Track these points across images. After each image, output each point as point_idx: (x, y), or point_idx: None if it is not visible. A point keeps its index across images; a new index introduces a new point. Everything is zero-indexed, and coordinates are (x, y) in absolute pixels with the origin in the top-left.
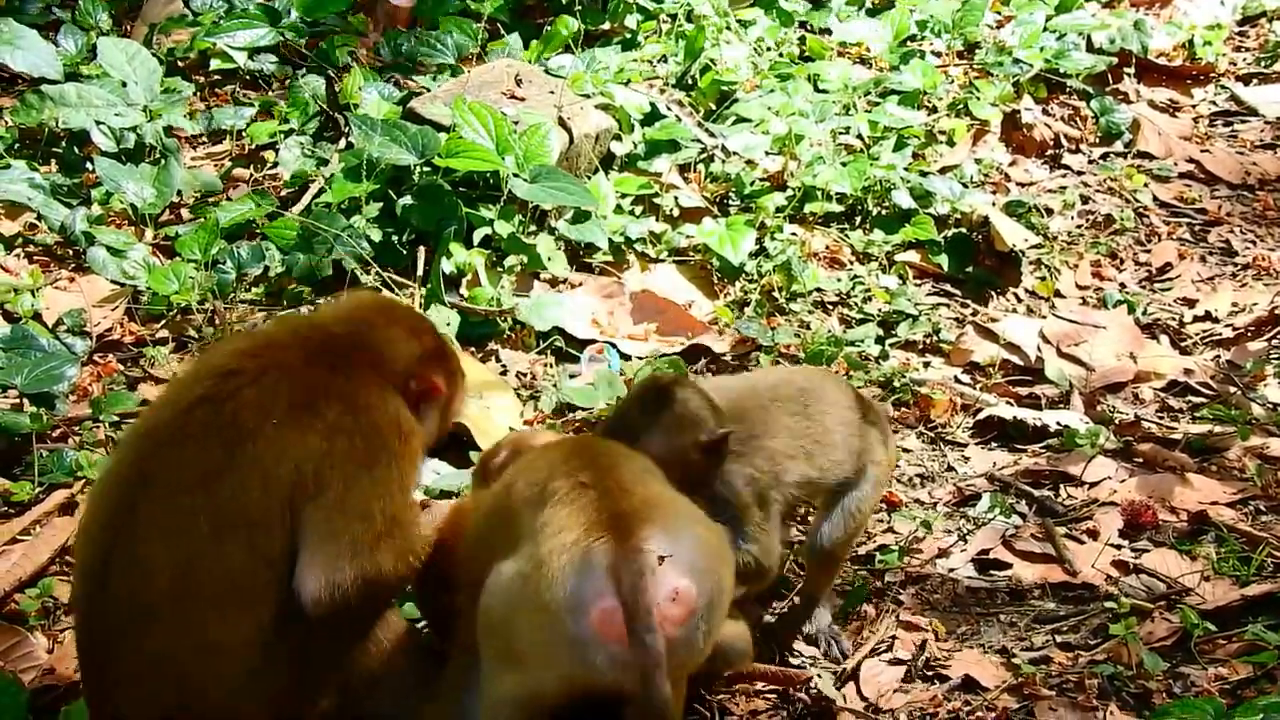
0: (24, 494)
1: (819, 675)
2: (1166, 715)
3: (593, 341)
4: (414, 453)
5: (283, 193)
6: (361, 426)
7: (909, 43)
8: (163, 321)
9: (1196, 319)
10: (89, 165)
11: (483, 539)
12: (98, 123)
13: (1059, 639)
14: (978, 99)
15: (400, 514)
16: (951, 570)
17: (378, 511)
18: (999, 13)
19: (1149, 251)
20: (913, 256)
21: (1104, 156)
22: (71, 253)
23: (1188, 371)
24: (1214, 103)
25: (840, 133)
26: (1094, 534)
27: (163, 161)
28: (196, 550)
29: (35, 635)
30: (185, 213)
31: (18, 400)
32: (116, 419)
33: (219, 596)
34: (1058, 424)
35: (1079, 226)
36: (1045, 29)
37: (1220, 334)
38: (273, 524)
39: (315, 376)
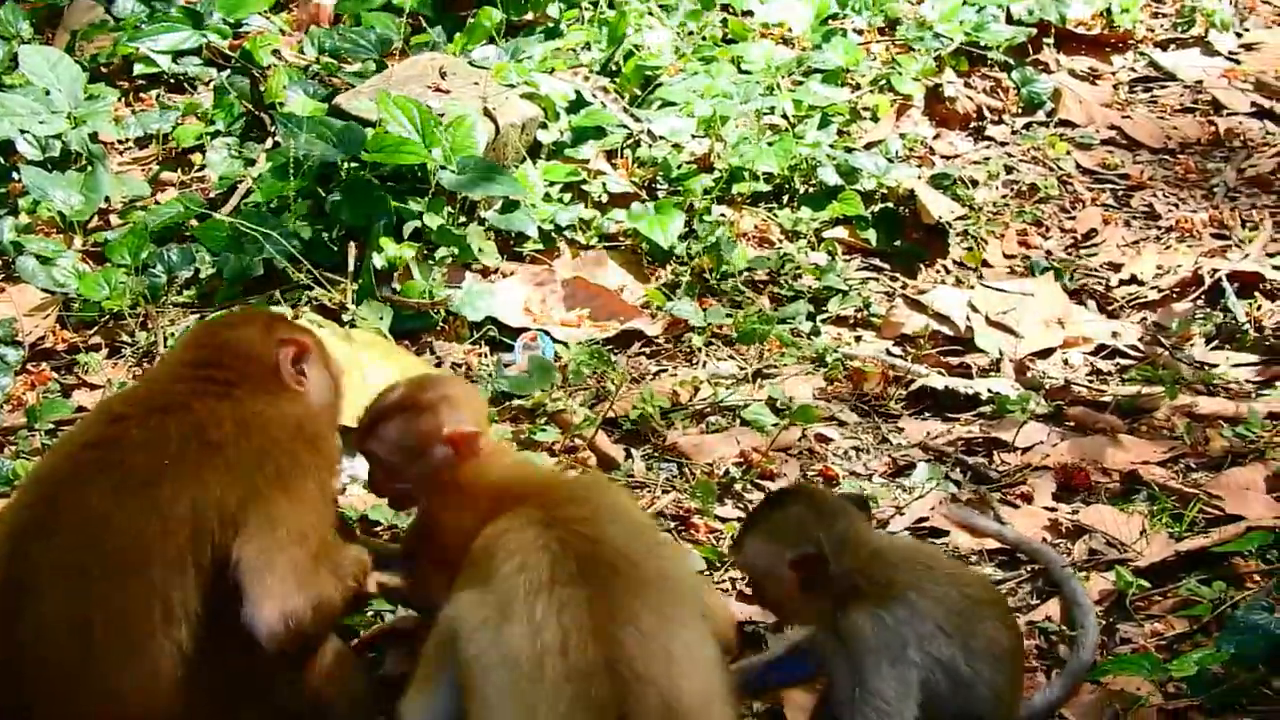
0: None
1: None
2: (1105, 672)
3: (526, 330)
4: (327, 456)
5: (211, 194)
6: (261, 446)
7: (830, 21)
8: (95, 328)
9: (1122, 283)
10: (15, 174)
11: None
12: (22, 131)
13: None
14: (900, 74)
15: (329, 526)
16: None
17: (309, 529)
18: None
19: (1074, 219)
20: (841, 233)
21: (1026, 126)
22: (0, 263)
23: (1115, 335)
24: (1133, 69)
25: (765, 113)
26: (1028, 498)
27: (89, 168)
28: (94, 598)
29: None
30: (114, 218)
31: None
32: (52, 427)
33: (117, 650)
34: (989, 391)
35: (1004, 196)
36: (964, 3)
37: (1146, 296)
38: (172, 567)
39: (200, 406)
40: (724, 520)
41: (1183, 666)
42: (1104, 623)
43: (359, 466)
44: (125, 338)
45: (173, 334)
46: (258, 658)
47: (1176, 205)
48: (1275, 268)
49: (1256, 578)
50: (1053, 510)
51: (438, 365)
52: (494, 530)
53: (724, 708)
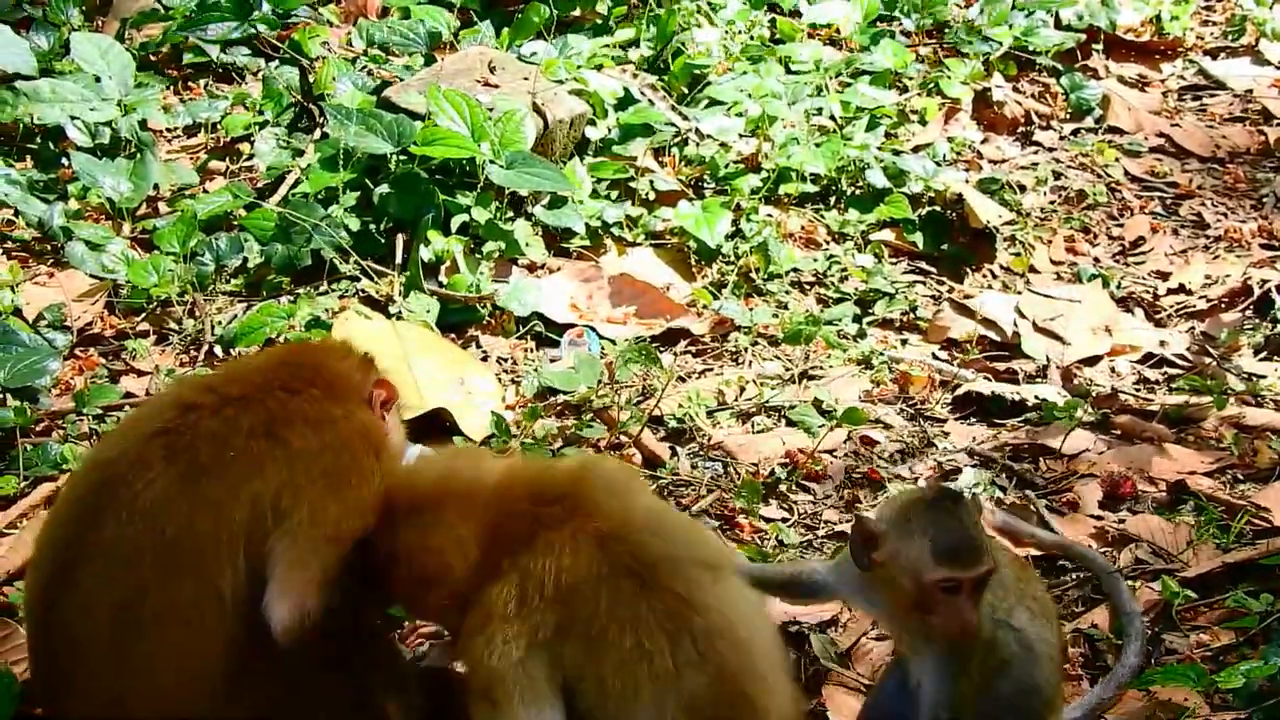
0: (9, 488)
1: (811, 635)
2: (1150, 682)
3: (572, 326)
4: (386, 463)
5: (259, 184)
6: (329, 445)
7: (878, 23)
8: (143, 314)
9: (1170, 291)
10: (65, 161)
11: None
12: (72, 118)
13: None
14: (948, 78)
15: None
16: None
17: (348, 534)
18: None
19: (1122, 226)
20: (888, 235)
21: (1075, 132)
22: (50, 248)
23: (1163, 344)
24: (1182, 77)
25: (813, 114)
26: (1074, 505)
27: (138, 156)
28: (140, 584)
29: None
30: (162, 206)
31: (1, 396)
32: (100, 412)
33: (163, 633)
34: (1036, 398)
35: (1052, 202)
36: (1014, 7)
37: (1194, 306)
38: (223, 560)
39: (275, 402)
40: (768, 520)
41: (1230, 678)
42: (1150, 632)
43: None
44: (173, 324)
45: (220, 321)
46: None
47: (1225, 214)
48: None
49: None
50: (1099, 519)
51: (484, 359)
52: (564, 569)
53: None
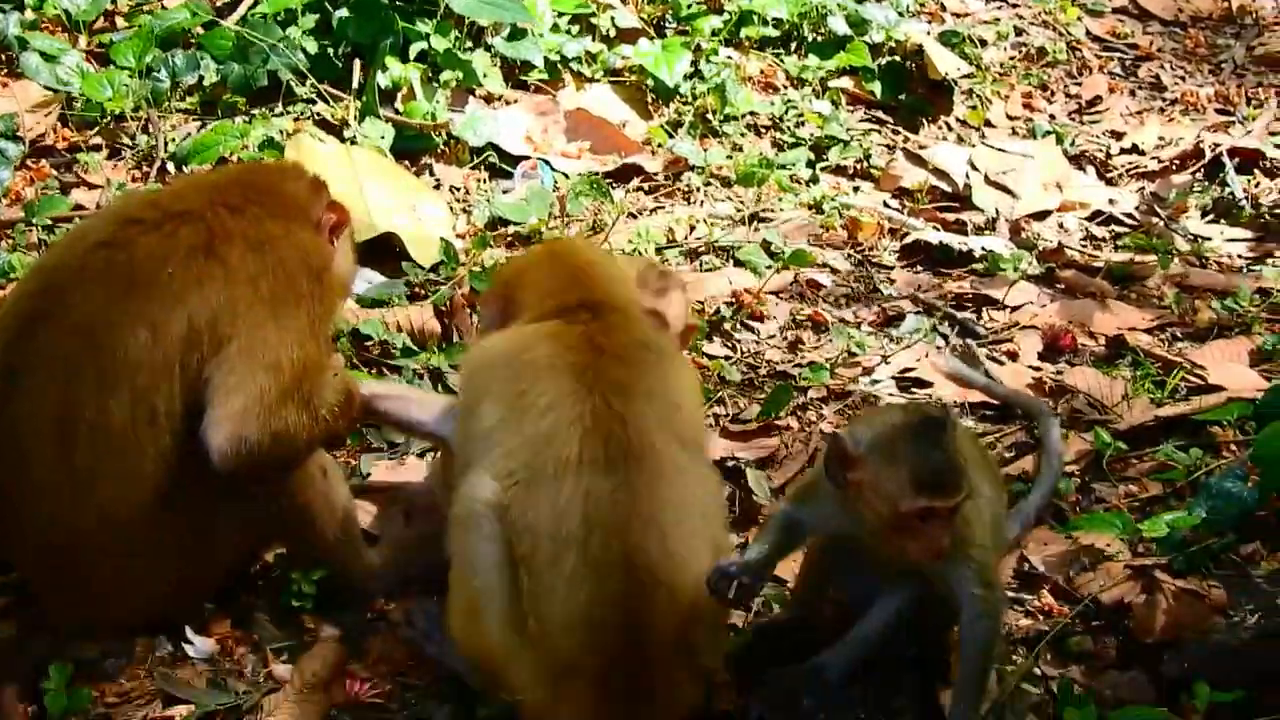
0: None
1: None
2: (1076, 528)
3: (526, 158)
4: (328, 290)
5: (218, 3)
6: (267, 266)
7: None
8: (96, 129)
9: (1123, 151)
10: None
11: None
12: None
13: None
14: None
15: (312, 362)
16: (875, 385)
17: (285, 361)
18: None
19: (1080, 85)
20: (846, 83)
21: None
22: (4, 58)
23: (1112, 202)
24: None
25: None
26: (1014, 355)
27: None
28: (79, 398)
29: None
30: (120, 21)
31: None
32: (49, 223)
33: (99, 449)
34: (982, 249)
35: (1012, 58)
36: None
37: (1146, 166)
38: (158, 378)
39: (217, 220)
40: (711, 358)
41: (1154, 527)
42: (1080, 481)
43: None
44: (126, 140)
45: (174, 139)
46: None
47: (1183, 78)
48: (1277, 146)
49: (1233, 447)
50: (1037, 370)
51: (436, 187)
52: (527, 349)
53: (723, 613)
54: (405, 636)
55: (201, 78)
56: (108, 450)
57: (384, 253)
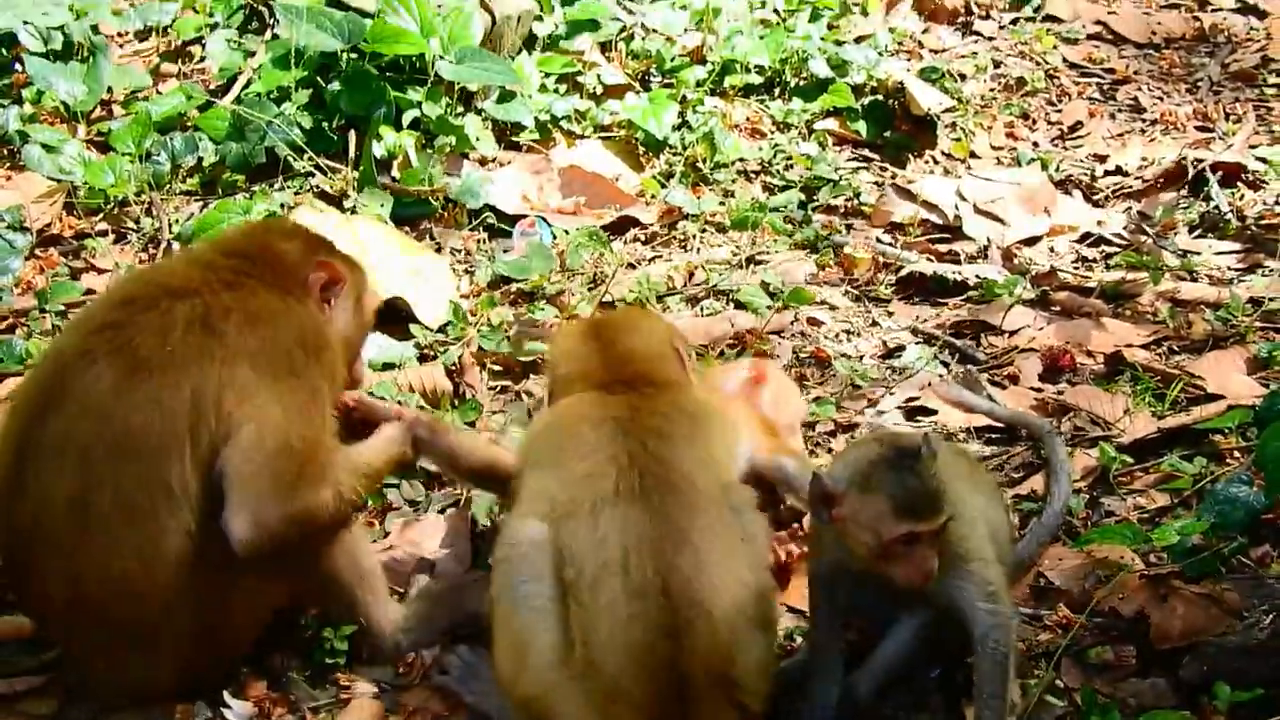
0: None
1: None
2: (1089, 541)
3: (524, 216)
4: (328, 363)
5: (211, 85)
6: (263, 343)
7: None
8: (101, 214)
9: (1108, 173)
10: (18, 66)
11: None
12: (25, 23)
13: None
14: None
15: (322, 438)
16: (881, 415)
17: (296, 441)
18: None
19: (1060, 111)
20: (831, 124)
21: (1014, 21)
22: (6, 151)
23: (1100, 223)
24: None
25: (757, 6)
26: (1015, 378)
27: (91, 59)
28: (93, 479)
29: None
30: (116, 109)
31: None
32: (62, 308)
33: (115, 527)
34: (977, 277)
35: (992, 90)
36: None
37: (1131, 186)
38: (170, 454)
39: (212, 296)
40: None
41: (1164, 536)
42: (1088, 496)
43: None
44: (131, 224)
45: (178, 219)
46: None
47: (1161, 98)
48: (1258, 159)
49: (1236, 454)
50: (1039, 390)
51: (438, 250)
52: (570, 415)
53: (768, 637)
54: (440, 684)
55: (200, 158)
56: (123, 526)
57: (392, 317)
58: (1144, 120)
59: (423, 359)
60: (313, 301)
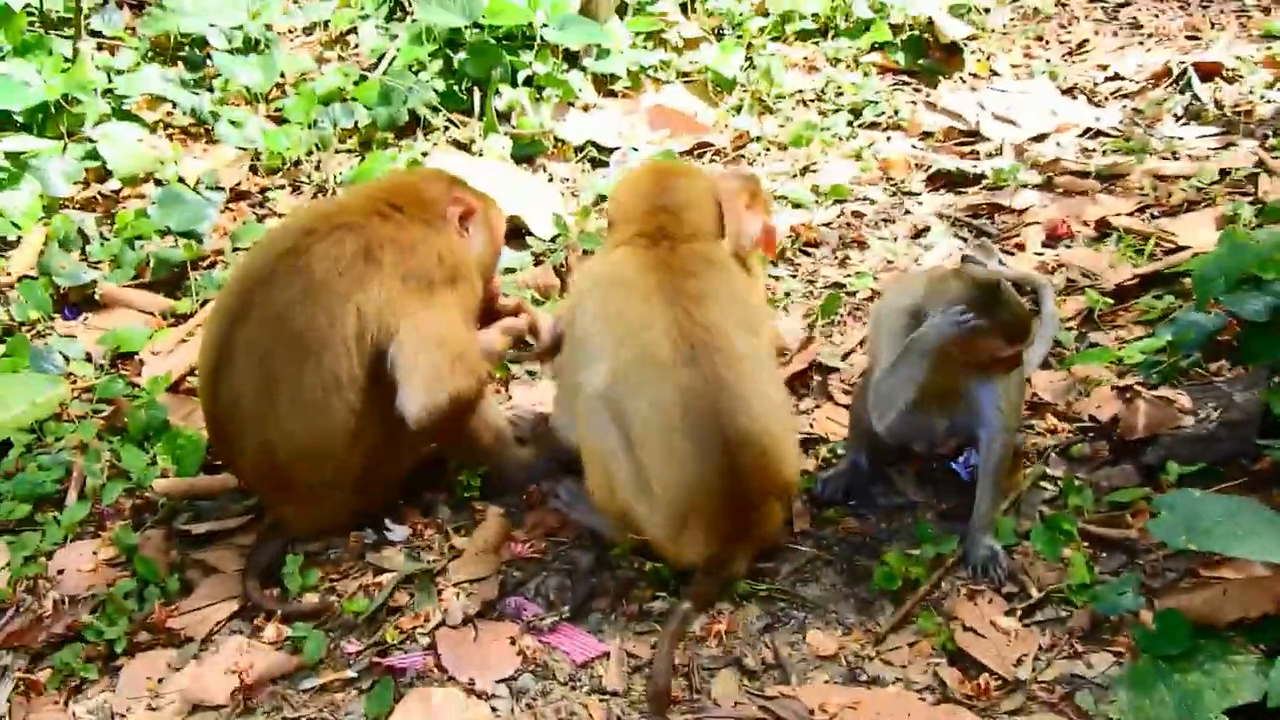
0: (186, 308)
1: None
2: (1073, 363)
3: (618, 148)
4: (467, 277)
5: (364, 65)
6: (412, 268)
7: None
8: (279, 173)
9: (1107, 79)
10: (208, 61)
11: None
12: (211, 25)
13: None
14: None
15: (465, 334)
16: None
17: (448, 337)
18: None
19: (1070, 33)
20: (875, 58)
21: None
22: (202, 130)
23: (1098, 119)
24: None
25: None
26: (1021, 247)
27: (266, 51)
28: (276, 373)
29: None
30: (288, 89)
31: (174, 242)
32: (250, 246)
33: (296, 409)
34: (992, 169)
35: (1011, 19)
36: None
37: (1126, 89)
38: (338, 354)
39: (373, 229)
40: (777, 279)
41: (1131, 354)
42: (1077, 333)
43: None
44: (303, 178)
45: (339, 173)
46: None
47: (1157, 16)
48: (1235, 58)
49: None
50: (1040, 255)
51: (550, 180)
52: (619, 271)
53: (793, 436)
54: (554, 506)
55: (356, 122)
56: (303, 409)
57: (512, 234)
58: (1141, 34)
59: (537, 263)
60: (452, 230)
